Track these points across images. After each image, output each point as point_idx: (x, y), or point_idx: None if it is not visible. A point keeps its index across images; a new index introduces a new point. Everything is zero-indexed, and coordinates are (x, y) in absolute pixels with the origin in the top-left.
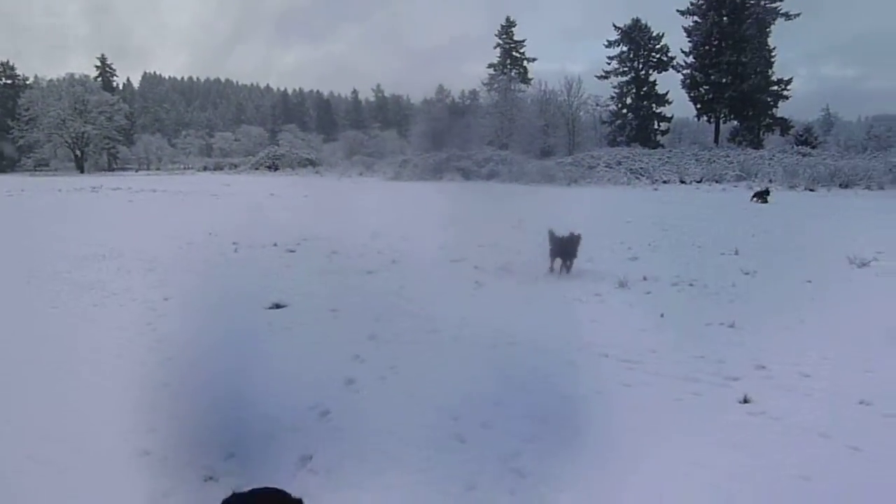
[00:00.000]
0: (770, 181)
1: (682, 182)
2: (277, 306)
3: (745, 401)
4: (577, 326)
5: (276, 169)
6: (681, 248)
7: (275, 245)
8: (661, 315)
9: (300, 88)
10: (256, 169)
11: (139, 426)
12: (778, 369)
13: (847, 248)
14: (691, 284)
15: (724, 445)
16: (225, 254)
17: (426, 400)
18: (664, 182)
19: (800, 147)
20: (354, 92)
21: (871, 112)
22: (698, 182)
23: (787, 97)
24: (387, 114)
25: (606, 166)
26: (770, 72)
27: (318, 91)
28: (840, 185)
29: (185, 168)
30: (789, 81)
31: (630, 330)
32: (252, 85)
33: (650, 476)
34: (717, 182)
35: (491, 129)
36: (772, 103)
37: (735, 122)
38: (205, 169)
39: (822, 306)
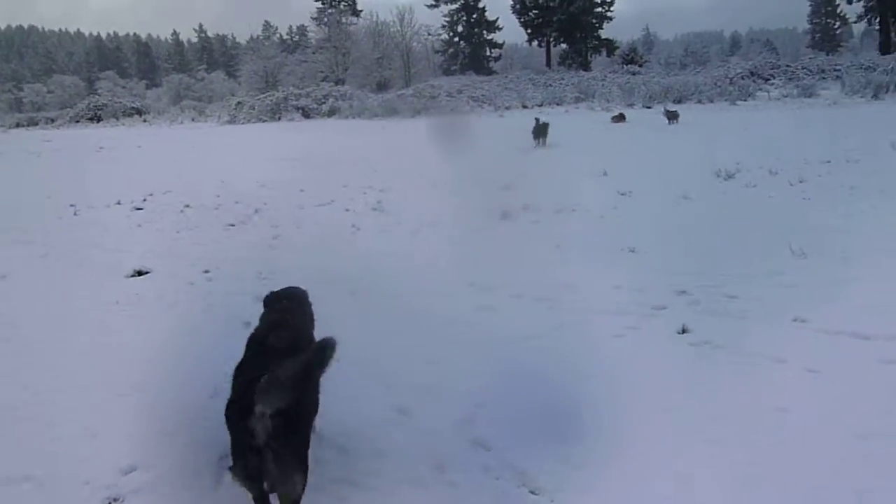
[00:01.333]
0: (607, 101)
1: (525, 107)
2: (140, 273)
3: (684, 331)
4: (473, 264)
5: (99, 120)
6: (553, 172)
7: (118, 203)
8: (557, 246)
9: (115, 32)
10: (77, 122)
11: None
12: (700, 293)
13: (710, 162)
14: (574, 210)
15: (686, 383)
16: (63, 217)
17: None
18: (506, 108)
19: (628, 66)
20: (175, 34)
21: (686, 29)
22: (539, 106)
23: (610, 18)
24: (212, 55)
25: (448, 96)
26: None
27: (135, 34)
28: (674, 101)
29: None
30: (612, 3)
31: (532, 264)
32: (61, 31)
33: (625, 434)
34: (558, 105)
35: (325, 65)
36: (597, 25)
37: (564, 46)
38: (17, 125)
39: (712, 222)
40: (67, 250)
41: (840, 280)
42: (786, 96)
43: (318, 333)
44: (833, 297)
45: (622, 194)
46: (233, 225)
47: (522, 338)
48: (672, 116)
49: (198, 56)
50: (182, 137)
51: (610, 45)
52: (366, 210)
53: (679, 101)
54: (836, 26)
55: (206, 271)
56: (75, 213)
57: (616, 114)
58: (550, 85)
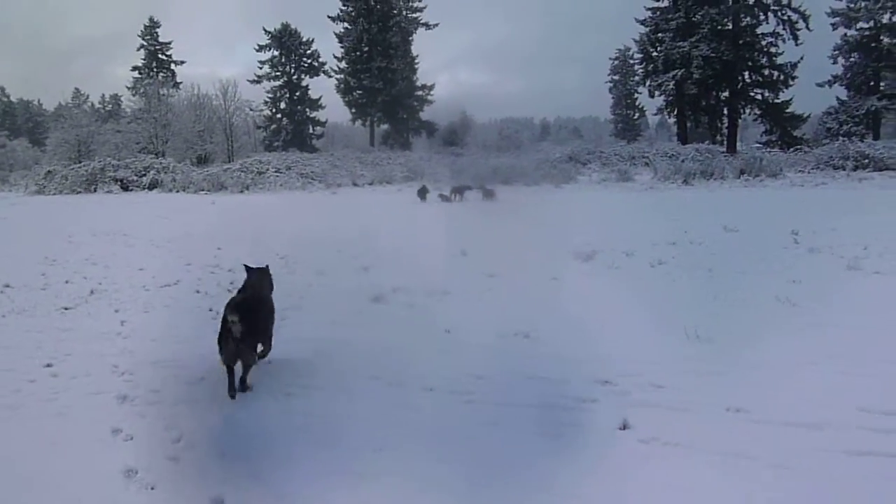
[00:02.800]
0: (436, 181)
1: (356, 185)
2: None
3: (625, 426)
4: (369, 354)
5: None
6: (410, 252)
7: None
8: (447, 331)
9: None
10: None
11: None
12: (625, 383)
13: (562, 242)
14: (446, 292)
15: (653, 488)
16: None
17: None
18: (338, 185)
19: (450, 147)
20: None
21: (500, 115)
22: (370, 184)
23: (431, 101)
24: (15, 121)
25: (276, 171)
26: (415, 77)
27: None
28: (502, 182)
29: None
30: (432, 87)
31: (428, 353)
32: None
33: None
34: (388, 183)
35: (144, 136)
36: (418, 107)
37: (386, 126)
38: None
39: (594, 305)
40: None
41: (753, 364)
42: (605, 180)
43: None
44: (757, 384)
45: (490, 276)
46: (67, 308)
47: (442, 441)
48: (488, 195)
49: None
50: None
51: (430, 127)
52: (220, 292)
53: (506, 182)
54: (635, 117)
55: (49, 365)
56: None
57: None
58: (379, 164)
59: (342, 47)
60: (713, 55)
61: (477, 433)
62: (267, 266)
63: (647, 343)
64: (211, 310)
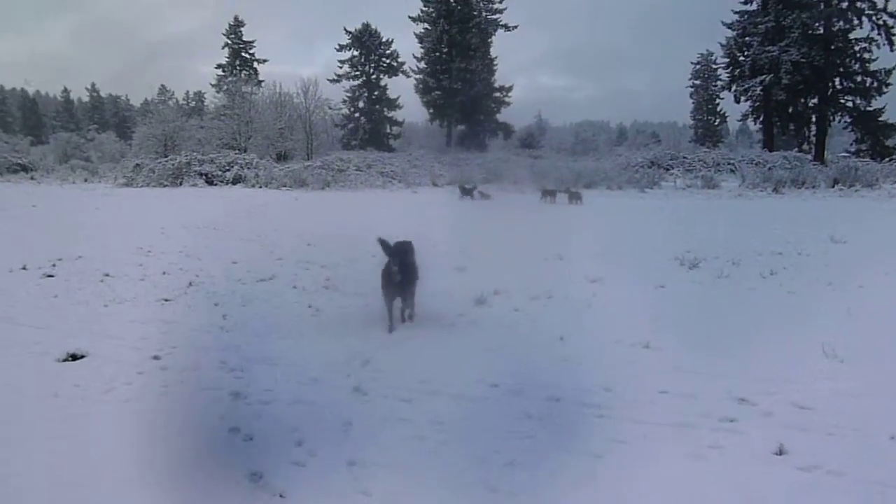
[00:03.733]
0: (515, 183)
1: (435, 185)
2: (74, 357)
3: (781, 452)
4: (482, 356)
5: None
6: (503, 254)
7: (24, 269)
8: (560, 338)
9: (0, 86)
10: None
11: None
12: (764, 401)
13: (662, 249)
14: (550, 297)
15: None
16: None
17: None
18: (418, 185)
19: (529, 150)
20: (66, 91)
21: (575, 119)
22: (449, 185)
23: (508, 104)
24: (104, 115)
25: (357, 169)
26: (493, 79)
27: (22, 89)
28: (585, 186)
29: None
30: (510, 89)
31: (544, 360)
32: None
33: None
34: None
35: (227, 133)
36: (495, 109)
37: (461, 127)
38: None
39: (707, 314)
40: None
41: None
42: (690, 186)
43: None
44: None
45: (592, 282)
46: (168, 300)
47: (579, 458)
48: (575, 197)
49: (88, 115)
50: (80, 198)
51: (507, 129)
52: (317, 288)
53: (589, 187)
54: (716, 123)
55: (156, 357)
56: None
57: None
58: (457, 165)
59: (422, 47)
60: (803, 60)
61: (614, 451)
62: (410, 241)
63: (779, 359)
64: (310, 306)
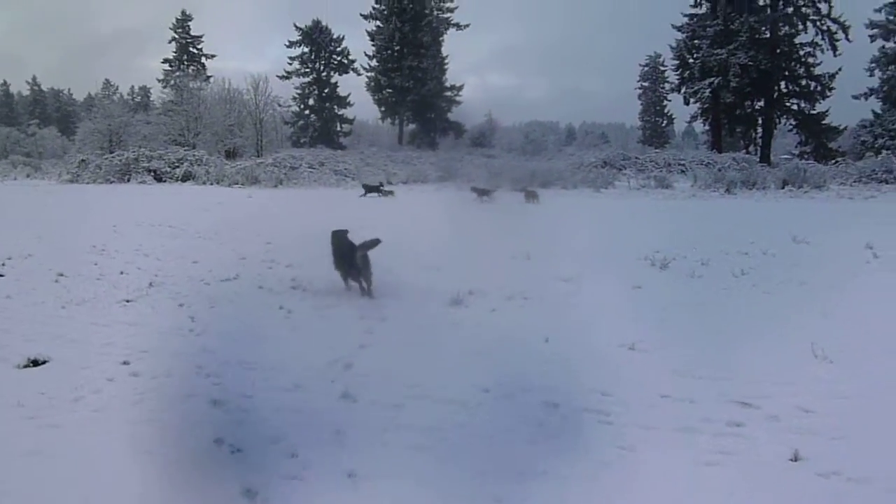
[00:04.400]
0: (469, 181)
1: (390, 182)
2: (35, 363)
3: (797, 458)
4: (475, 352)
5: None
6: (475, 255)
7: None
8: (546, 340)
9: None
10: None
11: None
12: (768, 405)
13: (629, 249)
14: (526, 297)
15: None
16: None
17: None
18: None
19: (479, 149)
20: (4, 84)
21: (524, 118)
22: (404, 183)
23: (459, 103)
24: (45, 109)
25: (310, 167)
26: (444, 78)
27: None
28: (540, 185)
29: None
30: (461, 88)
31: (533, 361)
32: None
33: None
34: (422, 182)
35: (175, 128)
36: (446, 108)
37: (413, 125)
38: None
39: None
40: None
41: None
42: (644, 186)
43: None
44: None
45: (565, 281)
46: (129, 300)
47: (595, 467)
48: (531, 196)
49: (29, 110)
50: (24, 195)
51: (458, 128)
52: (284, 288)
53: (544, 186)
54: (663, 124)
55: (125, 363)
56: None
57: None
58: (409, 163)
59: (373, 45)
60: (750, 63)
61: (623, 458)
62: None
63: (770, 361)
64: (281, 307)
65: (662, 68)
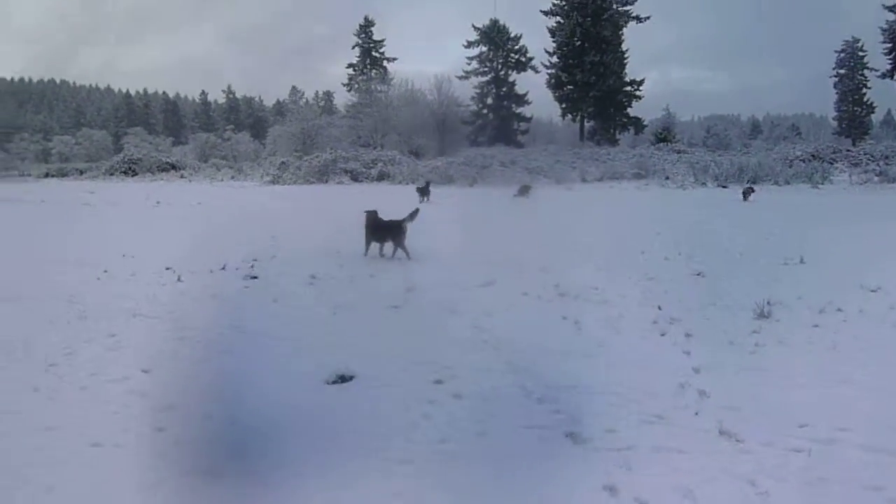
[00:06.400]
0: (667, 178)
1: (584, 181)
2: (343, 379)
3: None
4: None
5: (134, 174)
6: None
7: (223, 269)
8: None
9: (145, 90)
10: (111, 174)
11: None
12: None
13: None
14: (839, 309)
15: None
16: (165, 283)
17: None
18: (571, 181)
19: (664, 145)
20: (203, 93)
21: (703, 113)
22: (599, 181)
23: (640, 97)
24: (238, 115)
25: (501, 165)
26: (624, 72)
27: (164, 92)
28: (748, 181)
29: (20, 174)
30: (641, 82)
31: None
32: (91, 86)
33: None
34: (616, 180)
35: (364, 130)
36: (626, 103)
37: (591, 122)
38: (47, 175)
39: None
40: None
41: None
42: (866, 182)
43: None
44: None
45: (872, 291)
46: (396, 307)
47: None
48: (747, 193)
49: (224, 116)
50: (239, 196)
51: (638, 124)
52: (552, 295)
53: (754, 182)
54: (862, 114)
55: (439, 382)
56: (179, 279)
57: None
58: (598, 159)
59: (554, 41)
60: None
61: None
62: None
63: None
64: (576, 322)
65: (861, 53)
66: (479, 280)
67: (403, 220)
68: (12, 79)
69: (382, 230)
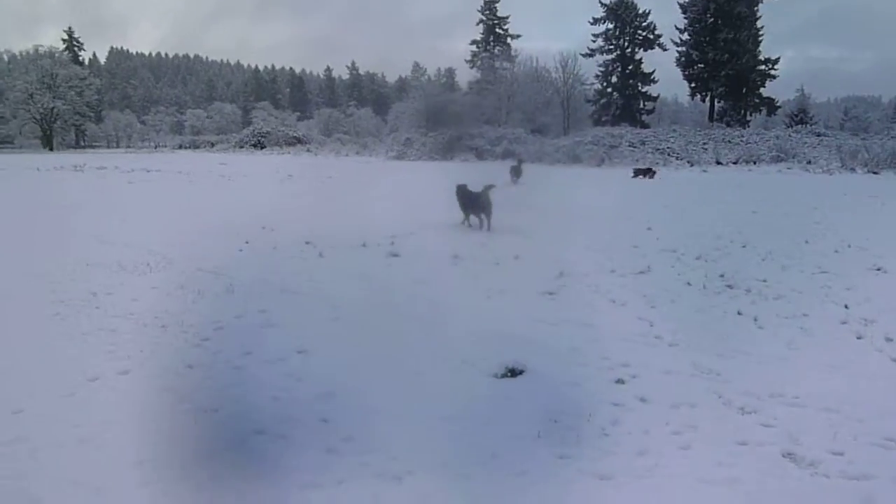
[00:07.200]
0: (809, 162)
1: (719, 163)
2: (513, 373)
3: None
4: None
5: (262, 147)
6: None
7: (363, 245)
8: None
9: (273, 65)
10: (241, 147)
11: None
12: None
13: None
14: None
15: None
16: (307, 258)
17: None
18: (707, 164)
19: (800, 127)
20: (328, 69)
21: (840, 94)
22: (734, 163)
23: (774, 77)
24: (361, 91)
25: (630, 146)
26: (758, 51)
27: (290, 68)
28: None
29: (156, 146)
30: (776, 61)
31: None
32: (222, 62)
33: None
34: (754, 163)
35: (488, 108)
36: (759, 83)
37: (721, 103)
38: (180, 147)
39: None
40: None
41: None
42: None
43: None
44: None
45: None
46: (552, 293)
47: None
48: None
49: (347, 92)
50: (364, 170)
51: (771, 104)
52: (719, 286)
53: None
54: None
55: (620, 381)
56: (321, 254)
57: None
58: (730, 141)
59: (685, 18)
60: None
61: None
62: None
63: None
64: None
65: None
66: (633, 266)
67: (482, 193)
68: (150, 53)
69: (473, 202)
